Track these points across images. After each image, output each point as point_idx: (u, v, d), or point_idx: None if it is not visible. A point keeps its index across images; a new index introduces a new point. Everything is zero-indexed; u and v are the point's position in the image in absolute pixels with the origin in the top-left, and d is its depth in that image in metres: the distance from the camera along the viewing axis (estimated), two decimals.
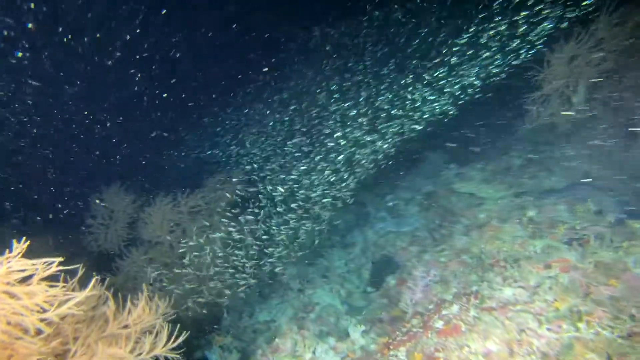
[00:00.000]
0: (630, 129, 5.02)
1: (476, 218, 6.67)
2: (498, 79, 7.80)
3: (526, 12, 6.61)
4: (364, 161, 8.02)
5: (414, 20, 9.01)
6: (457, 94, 8.52)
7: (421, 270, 5.41)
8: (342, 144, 8.12)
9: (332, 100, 9.02)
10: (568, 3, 5.85)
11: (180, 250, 6.69)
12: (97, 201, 7.31)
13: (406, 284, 6.08)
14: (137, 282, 6.37)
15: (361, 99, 8.67)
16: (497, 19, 7.60)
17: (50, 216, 7.49)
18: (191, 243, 6.70)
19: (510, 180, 7.13)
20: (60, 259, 2.22)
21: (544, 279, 4.14)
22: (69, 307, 1.98)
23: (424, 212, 8.31)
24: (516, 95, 6.54)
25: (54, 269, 2.17)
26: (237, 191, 7.67)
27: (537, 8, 6.08)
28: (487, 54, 7.63)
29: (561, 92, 5.25)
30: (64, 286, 2.36)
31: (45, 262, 2.12)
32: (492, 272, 4.84)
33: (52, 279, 2.63)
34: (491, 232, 5.60)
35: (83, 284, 6.92)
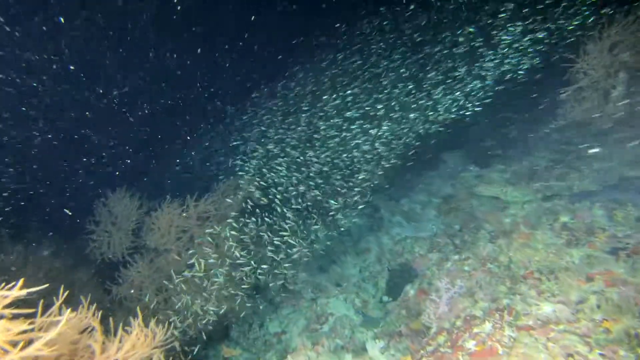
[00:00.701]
0: None
1: (501, 223, 6.23)
2: (521, 73, 7.39)
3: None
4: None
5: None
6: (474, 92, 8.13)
7: (445, 282, 4.99)
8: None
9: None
10: None
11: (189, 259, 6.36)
12: (102, 206, 7.02)
13: (428, 295, 5.65)
14: (142, 293, 6.04)
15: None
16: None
17: (51, 221, 7.20)
18: (197, 251, 6.37)
19: (536, 182, 6.66)
20: (20, 286, 1.84)
21: (587, 294, 3.70)
22: (37, 349, 1.63)
23: (442, 217, 7.88)
24: (544, 89, 6.10)
25: (10, 299, 1.80)
26: (249, 196, 7.32)
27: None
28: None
29: (599, 85, 4.79)
30: (43, 312, 2.01)
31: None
32: (525, 285, 4.41)
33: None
34: (521, 240, 5.16)
35: (89, 293, 6.58)
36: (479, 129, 9.25)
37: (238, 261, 6.71)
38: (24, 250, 6.14)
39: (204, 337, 6.91)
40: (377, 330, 6.20)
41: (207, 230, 6.44)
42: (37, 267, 6.03)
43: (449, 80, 8.24)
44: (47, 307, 2.78)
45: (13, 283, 1.94)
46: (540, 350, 3.23)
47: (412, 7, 8.91)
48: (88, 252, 6.61)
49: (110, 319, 2.69)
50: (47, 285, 1.96)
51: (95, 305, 2.54)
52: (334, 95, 8.71)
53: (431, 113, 8.09)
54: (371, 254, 8.31)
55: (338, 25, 9.75)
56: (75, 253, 7.09)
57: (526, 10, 7.32)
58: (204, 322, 6.40)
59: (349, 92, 8.64)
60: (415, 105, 8.21)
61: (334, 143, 8.10)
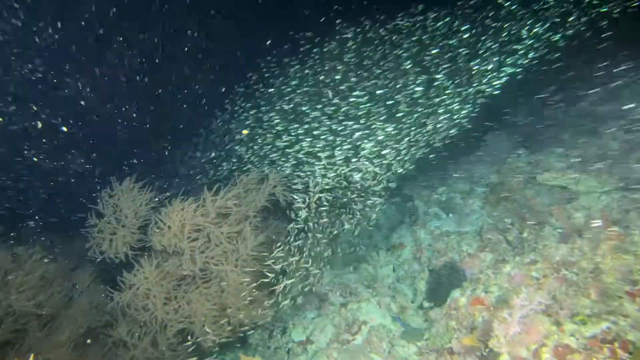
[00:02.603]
0: None
1: (570, 219, 5.18)
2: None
3: None
4: None
5: None
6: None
7: (522, 297, 4.00)
8: None
9: None
10: None
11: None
12: (107, 197, 6.17)
13: (485, 306, 4.70)
14: (148, 304, 5.22)
15: None
16: None
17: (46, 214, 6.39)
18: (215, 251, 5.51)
19: (611, 168, 5.57)
20: None
21: None
22: None
23: (489, 209, 6.84)
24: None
25: None
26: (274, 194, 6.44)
27: None
28: None
29: None
30: None
31: None
32: (632, 304, 3.40)
33: None
34: (611, 242, 4.12)
35: (89, 298, 5.77)
36: (528, 104, 8.12)
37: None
38: (15, 250, 5.38)
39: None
40: (421, 344, 5.29)
41: (226, 230, 5.56)
42: (30, 271, 5.25)
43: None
44: None
45: None
46: None
47: None
48: (88, 250, 5.80)
49: None
50: None
51: None
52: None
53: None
54: (406, 250, 7.36)
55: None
56: (75, 252, 6.33)
57: None
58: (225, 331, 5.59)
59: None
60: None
61: None
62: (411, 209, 8.51)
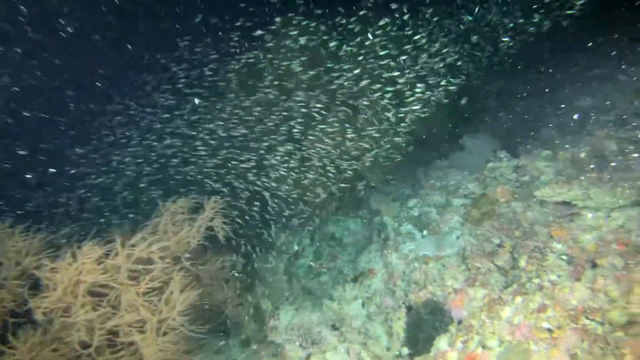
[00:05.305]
0: None
1: (577, 243, 4.17)
2: None
3: None
4: None
5: None
6: None
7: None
8: None
9: None
10: None
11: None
12: None
13: None
14: None
15: None
16: None
17: None
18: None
19: (615, 175, 4.62)
20: None
21: None
22: None
23: (471, 226, 5.77)
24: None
25: None
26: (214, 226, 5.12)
27: None
28: None
29: None
30: None
31: None
32: None
33: None
34: None
35: None
36: (501, 99, 7.20)
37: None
38: None
39: None
40: None
41: (144, 287, 4.14)
42: None
43: None
44: None
45: None
46: None
47: None
48: None
49: None
50: None
51: None
52: None
53: None
54: (376, 279, 6.20)
55: None
56: None
57: None
58: None
59: None
60: None
61: None
62: (379, 225, 7.37)
